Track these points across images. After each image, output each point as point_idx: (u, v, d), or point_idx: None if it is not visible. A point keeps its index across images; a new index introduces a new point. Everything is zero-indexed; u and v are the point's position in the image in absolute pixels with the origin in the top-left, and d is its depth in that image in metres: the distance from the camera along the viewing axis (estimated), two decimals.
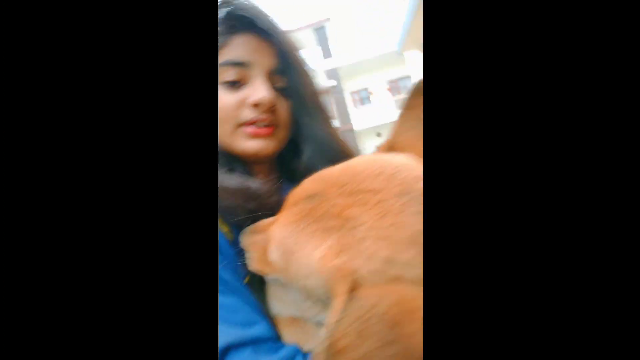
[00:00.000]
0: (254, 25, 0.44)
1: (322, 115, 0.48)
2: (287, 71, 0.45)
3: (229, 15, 0.44)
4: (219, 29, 0.44)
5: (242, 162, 0.47)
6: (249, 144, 0.44)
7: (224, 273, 0.37)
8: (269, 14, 0.45)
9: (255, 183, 0.42)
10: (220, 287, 0.36)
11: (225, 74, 0.43)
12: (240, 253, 0.39)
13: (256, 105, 0.43)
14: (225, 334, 0.33)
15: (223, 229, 0.41)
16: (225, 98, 0.43)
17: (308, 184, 0.35)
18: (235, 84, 0.44)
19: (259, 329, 0.35)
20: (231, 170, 0.44)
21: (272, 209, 0.39)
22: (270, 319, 0.38)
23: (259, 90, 0.43)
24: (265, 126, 0.45)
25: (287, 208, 0.35)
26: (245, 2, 0.45)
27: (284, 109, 0.46)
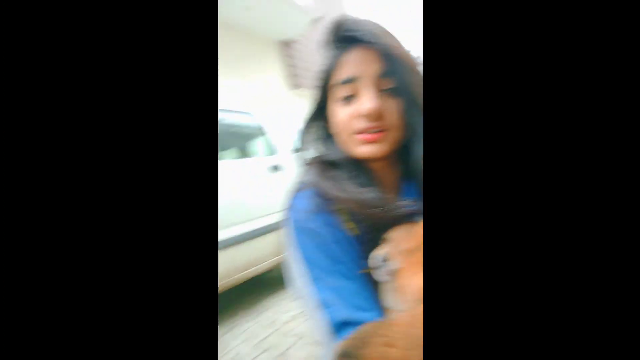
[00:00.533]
0: (357, 40, 0.48)
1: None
2: (394, 72, 0.47)
3: (335, 38, 0.49)
4: (331, 53, 0.50)
5: (364, 166, 0.53)
6: (363, 149, 0.50)
7: (350, 261, 0.46)
8: (367, 22, 0.48)
9: (371, 194, 0.48)
10: (345, 272, 0.45)
11: (339, 92, 0.49)
12: (363, 247, 0.48)
13: (366, 116, 0.47)
14: (343, 312, 0.42)
15: (349, 225, 0.49)
16: (341, 112, 0.50)
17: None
18: (348, 98, 0.49)
19: (371, 315, 0.42)
20: (355, 176, 0.51)
21: (383, 219, 0.47)
22: (382, 309, 0.44)
23: (366, 101, 0.47)
24: (376, 132, 0.48)
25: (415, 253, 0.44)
26: (346, 20, 0.49)
27: (393, 111, 0.49)
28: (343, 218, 0.49)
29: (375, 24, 0.49)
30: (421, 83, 0.48)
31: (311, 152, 0.57)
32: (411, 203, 0.49)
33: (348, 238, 0.48)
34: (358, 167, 0.52)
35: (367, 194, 0.48)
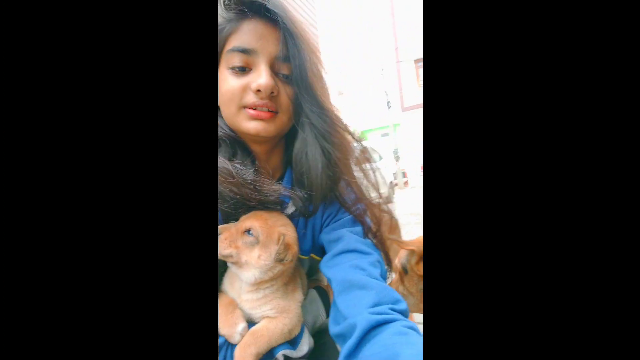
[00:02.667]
0: (261, 11, 0.46)
1: (320, 101, 0.49)
2: (292, 59, 0.46)
3: (241, 1, 0.46)
4: (228, 15, 0.47)
5: (245, 146, 0.51)
6: (250, 124, 0.48)
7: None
8: (279, 1, 0.46)
9: (248, 173, 0.47)
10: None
11: (232, 60, 0.47)
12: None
13: (258, 91, 0.46)
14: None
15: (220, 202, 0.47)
16: (232, 82, 0.47)
17: None
18: (241, 69, 0.47)
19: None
20: (234, 154, 0.49)
21: (260, 201, 0.47)
22: None
23: (261, 77, 0.46)
24: (267, 111, 0.48)
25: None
26: None
27: (286, 95, 0.48)
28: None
29: (286, 6, 0.47)
30: (319, 71, 0.49)
31: None
32: (284, 190, 0.49)
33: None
34: (241, 146, 0.51)
35: (244, 172, 0.47)
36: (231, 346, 0.45)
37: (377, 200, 0.55)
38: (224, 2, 0.47)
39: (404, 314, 0.42)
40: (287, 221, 0.51)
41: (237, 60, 0.47)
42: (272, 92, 0.47)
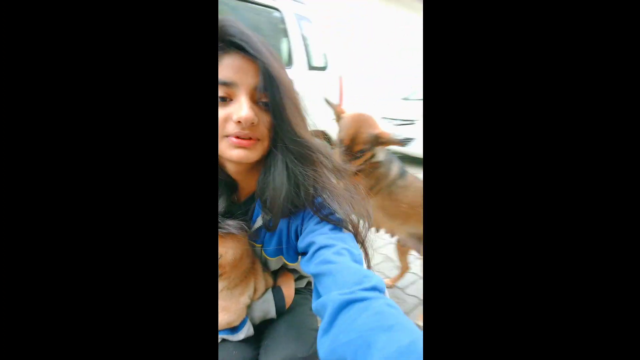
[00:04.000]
0: (239, 47, 0.50)
1: (296, 127, 0.54)
2: (269, 89, 0.50)
3: (220, 37, 0.50)
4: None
5: (227, 172, 0.58)
6: (234, 152, 0.53)
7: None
8: (253, 35, 0.51)
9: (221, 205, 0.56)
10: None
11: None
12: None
13: (239, 122, 0.50)
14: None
15: None
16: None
17: None
18: (224, 99, 0.51)
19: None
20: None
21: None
22: None
23: (241, 109, 0.50)
24: (247, 139, 0.52)
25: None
26: (232, 24, 0.51)
27: (265, 122, 0.53)
28: None
29: (259, 38, 0.51)
30: (295, 102, 0.53)
31: None
32: (243, 225, 0.56)
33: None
34: (222, 173, 0.57)
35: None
36: None
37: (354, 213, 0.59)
38: None
39: (377, 289, 0.42)
40: (232, 244, 0.58)
41: (220, 91, 0.51)
42: (254, 122, 0.51)
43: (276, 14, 2.29)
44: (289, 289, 0.71)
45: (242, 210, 0.60)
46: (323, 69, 2.57)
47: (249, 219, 0.60)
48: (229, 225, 0.57)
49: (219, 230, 0.56)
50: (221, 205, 0.58)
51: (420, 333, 0.32)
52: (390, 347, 0.31)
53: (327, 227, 0.55)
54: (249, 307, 0.65)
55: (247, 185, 0.62)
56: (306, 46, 2.43)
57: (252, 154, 0.53)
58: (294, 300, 0.73)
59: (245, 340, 0.65)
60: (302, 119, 0.55)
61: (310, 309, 0.67)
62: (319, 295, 0.47)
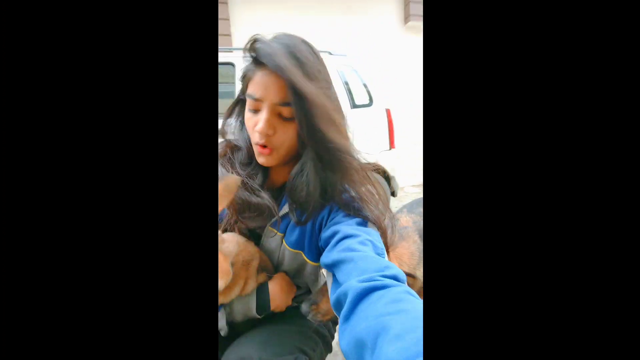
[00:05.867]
0: (269, 62, 0.55)
1: (327, 133, 0.57)
2: (296, 102, 0.54)
3: (253, 57, 0.59)
4: (248, 64, 0.60)
5: (261, 165, 0.65)
6: (259, 156, 0.62)
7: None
8: (278, 51, 0.55)
9: (255, 198, 0.62)
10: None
11: (249, 103, 0.60)
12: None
13: (258, 134, 0.58)
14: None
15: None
16: (248, 120, 0.60)
17: None
18: (253, 111, 0.59)
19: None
20: (249, 164, 0.66)
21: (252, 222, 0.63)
22: None
23: (260, 122, 0.57)
24: (265, 147, 0.60)
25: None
26: (260, 41, 0.57)
27: (282, 134, 0.59)
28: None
29: (287, 54, 0.55)
30: (324, 110, 0.55)
31: (229, 134, 0.70)
32: (274, 206, 0.61)
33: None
34: (257, 165, 0.64)
35: (253, 197, 0.62)
36: None
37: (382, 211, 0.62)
38: (245, 45, 0.59)
39: (397, 278, 0.42)
40: (233, 240, 0.63)
41: (251, 104, 0.59)
42: (268, 134, 0.57)
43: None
44: (280, 293, 0.70)
45: (274, 195, 0.66)
46: (368, 105, 2.63)
47: (277, 204, 0.65)
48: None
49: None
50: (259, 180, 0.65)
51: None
52: (408, 332, 0.30)
53: (353, 220, 0.57)
54: (232, 302, 0.66)
55: (277, 176, 0.69)
56: (348, 90, 2.53)
57: (269, 160, 0.61)
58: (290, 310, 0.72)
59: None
60: (333, 124, 0.59)
61: (301, 316, 0.66)
62: (338, 285, 0.47)
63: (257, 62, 0.57)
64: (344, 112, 0.65)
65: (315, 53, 0.60)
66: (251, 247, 0.67)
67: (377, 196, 0.63)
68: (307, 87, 0.54)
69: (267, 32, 0.61)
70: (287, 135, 0.59)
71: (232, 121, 0.69)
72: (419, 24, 4.63)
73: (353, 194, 0.61)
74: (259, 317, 0.68)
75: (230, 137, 0.70)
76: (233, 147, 0.69)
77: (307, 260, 0.66)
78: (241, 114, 0.67)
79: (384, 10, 4.54)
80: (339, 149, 0.58)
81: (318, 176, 0.60)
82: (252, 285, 0.68)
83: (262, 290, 0.69)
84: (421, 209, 1.32)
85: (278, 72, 0.53)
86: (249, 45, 0.58)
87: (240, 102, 0.66)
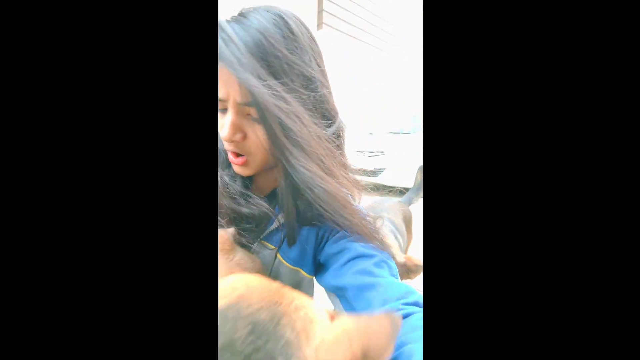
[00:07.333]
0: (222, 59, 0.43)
1: (284, 153, 0.47)
2: (254, 104, 0.44)
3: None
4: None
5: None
6: (233, 166, 0.51)
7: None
8: (241, 44, 0.43)
9: (239, 186, 0.52)
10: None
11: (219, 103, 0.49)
12: None
13: (224, 140, 0.48)
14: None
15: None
16: (220, 123, 0.48)
17: None
18: (223, 111, 0.48)
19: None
20: (229, 166, 0.54)
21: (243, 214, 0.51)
22: None
23: (224, 127, 0.47)
24: (238, 156, 0.49)
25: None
26: (228, 28, 0.44)
27: (255, 138, 0.47)
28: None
29: (249, 41, 0.43)
30: (285, 113, 0.44)
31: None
32: (267, 208, 0.51)
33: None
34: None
35: (243, 207, 0.50)
36: None
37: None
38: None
39: (418, 305, 0.40)
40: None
41: (220, 104, 0.47)
42: (235, 140, 0.47)
43: None
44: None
45: (265, 201, 0.54)
46: None
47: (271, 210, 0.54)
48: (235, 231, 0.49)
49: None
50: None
51: None
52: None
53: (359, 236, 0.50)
54: None
55: (263, 182, 0.57)
56: None
57: (246, 170, 0.51)
58: None
59: None
60: (302, 134, 0.46)
61: None
62: (351, 309, 0.44)
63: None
64: (334, 112, 0.53)
65: (294, 35, 0.47)
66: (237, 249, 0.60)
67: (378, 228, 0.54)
68: (258, 90, 0.42)
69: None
70: (261, 139, 0.46)
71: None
72: (333, 31, 5.09)
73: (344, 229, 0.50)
74: None
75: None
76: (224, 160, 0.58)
77: (306, 275, 0.57)
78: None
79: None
80: (307, 169, 0.45)
81: (293, 200, 0.50)
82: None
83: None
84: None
85: (227, 68, 0.42)
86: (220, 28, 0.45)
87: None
